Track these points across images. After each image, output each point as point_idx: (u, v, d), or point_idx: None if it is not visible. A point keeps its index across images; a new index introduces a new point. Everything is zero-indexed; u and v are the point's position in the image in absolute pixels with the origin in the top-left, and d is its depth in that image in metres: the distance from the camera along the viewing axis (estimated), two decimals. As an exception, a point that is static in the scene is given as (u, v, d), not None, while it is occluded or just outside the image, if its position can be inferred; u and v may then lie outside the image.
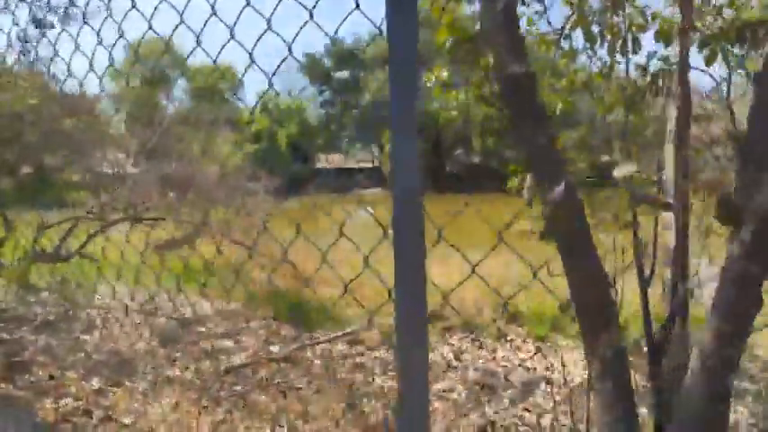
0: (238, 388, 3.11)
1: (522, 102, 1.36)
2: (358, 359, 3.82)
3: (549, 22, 3.83)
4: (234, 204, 5.68)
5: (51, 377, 2.92)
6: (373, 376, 3.47)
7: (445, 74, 3.84)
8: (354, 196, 25.73)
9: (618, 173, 2.50)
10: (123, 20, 2.98)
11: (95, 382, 2.90)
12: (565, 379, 3.40)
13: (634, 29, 3.72)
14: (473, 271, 3.27)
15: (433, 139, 28.38)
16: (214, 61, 2.39)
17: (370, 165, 34.43)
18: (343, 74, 34.30)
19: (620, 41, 3.82)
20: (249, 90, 35.06)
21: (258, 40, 2.37)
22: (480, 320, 4.43)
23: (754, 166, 1.25)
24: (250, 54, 2.58)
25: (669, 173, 2.05)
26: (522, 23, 3.86)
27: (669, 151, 2.07)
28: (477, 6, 3.80)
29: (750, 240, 1.12)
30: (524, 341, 4.11)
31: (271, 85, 2.56)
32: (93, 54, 3.27)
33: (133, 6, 2.85)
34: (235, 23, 2.42)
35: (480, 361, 3.76)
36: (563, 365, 3.63)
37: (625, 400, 1.36)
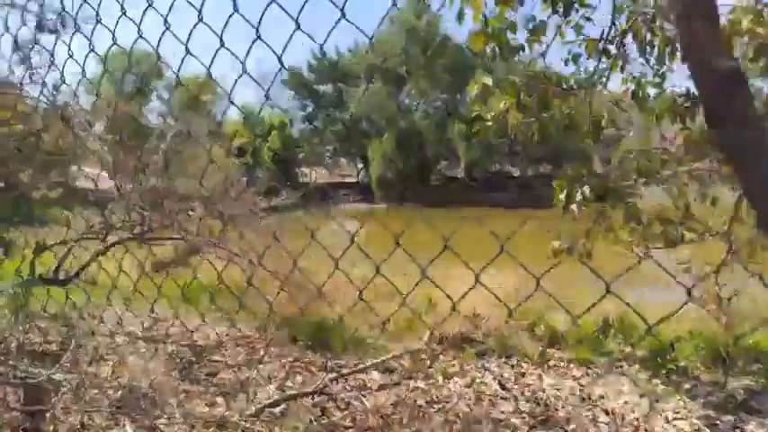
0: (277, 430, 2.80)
1: (731, 100, 1.13)
2: (395, 390, 3.54)
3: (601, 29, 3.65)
4: (247, 220, 5.33)
5: (83, 425, 2.57)
6: (419, 410, 3.20)
7: (489, 80, 3.64)
8: (342, 210, 25.49)
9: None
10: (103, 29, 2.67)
11: (129, 428, 2.56)
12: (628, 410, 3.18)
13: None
14: (538, 284, 2.91)
15: (418, 152, 28.33)
16: (208, 70, 2.12)
17: (353, 179, 34.20)
18: (327, 87, 34.08)
19: (669, 50, 3.66)
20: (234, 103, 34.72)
21: (249, 50, 2.11)
22: (515, 343, 4.18)
23: None
24: (243, 63, 2.29)
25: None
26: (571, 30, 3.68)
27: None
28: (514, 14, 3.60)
29: None
30: (568, 366, 3.88)
31: (267, 98, 2.25)
32: (85, 63, 2.95)
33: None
34: (222, 32, 2.14)
35: (528, 390, 3.51)
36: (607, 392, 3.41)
37: None
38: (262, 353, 4.19)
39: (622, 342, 4.12)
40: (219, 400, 3.21)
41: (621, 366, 3.82)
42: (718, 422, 2.94)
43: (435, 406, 3.24)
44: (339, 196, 28.66)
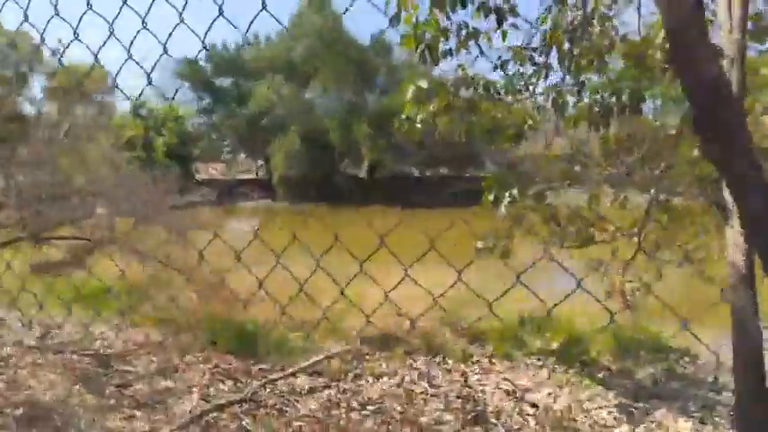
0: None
1: (720, 107, 1.18)
2: (326, 393, 3.46)
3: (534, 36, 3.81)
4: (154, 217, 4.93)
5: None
6: (350, 413, 3.15)
7: (425, 84, 3.67)
8: (242, 208, 24.71)
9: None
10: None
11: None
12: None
13: (600, 49, 3.79)
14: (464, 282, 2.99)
15: (321, 150, 28.16)
16: (95, 57, 1.94)
17: (253, 176, 33.26)
18: (226, 81, 32.76)
19: (586, 60, 3.89)
20: (121, 93, 32.41)
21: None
22: (441, 341, 4.26)
23: None
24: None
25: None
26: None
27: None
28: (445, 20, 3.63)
29: None
30: (491, 361, 4.01)
31: (149, 82, 2.09)
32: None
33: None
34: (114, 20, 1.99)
35: (456, 386, 3.58)
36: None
37: None
38: (177, 360, 3.92)
39: (537, 336, 4.33)
40: (139, 413, 2.95)
41: (539, 359, 4.01)
42: (632, 410, 3.18)
43: (369, 407, 3.21)
44: (239, 193, 27.73)
